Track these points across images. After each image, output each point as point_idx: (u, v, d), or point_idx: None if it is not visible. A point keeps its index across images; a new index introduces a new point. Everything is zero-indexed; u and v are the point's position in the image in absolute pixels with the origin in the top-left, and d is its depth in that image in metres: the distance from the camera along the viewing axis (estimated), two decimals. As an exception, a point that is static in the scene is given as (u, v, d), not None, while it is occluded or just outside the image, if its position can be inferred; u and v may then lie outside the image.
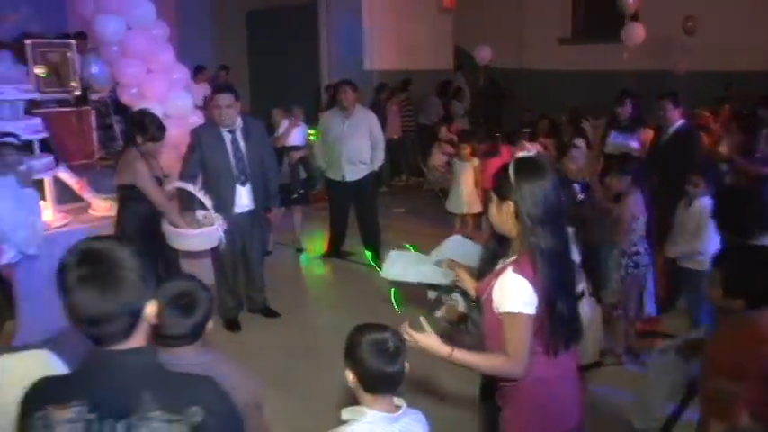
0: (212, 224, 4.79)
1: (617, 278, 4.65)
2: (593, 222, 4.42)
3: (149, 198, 4.65)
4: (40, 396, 1.55)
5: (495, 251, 2.53)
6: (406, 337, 2.23)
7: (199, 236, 4.79)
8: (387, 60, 11.81)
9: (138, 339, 1.55)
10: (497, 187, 2.39)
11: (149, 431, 1.49)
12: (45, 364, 2.07)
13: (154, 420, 1.50)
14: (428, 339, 2.30)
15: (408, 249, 3.40)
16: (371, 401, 2.13)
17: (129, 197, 4.72)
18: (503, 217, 2.36)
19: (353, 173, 6.84)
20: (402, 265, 3.19)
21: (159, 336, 2.11)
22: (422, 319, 2.36)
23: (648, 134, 6.49)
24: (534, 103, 11.83)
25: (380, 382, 2.12)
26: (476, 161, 7.52)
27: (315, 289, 6.87)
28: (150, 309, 1.54)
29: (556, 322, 2.30)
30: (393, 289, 3.68)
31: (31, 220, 4.41)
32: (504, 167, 2.37)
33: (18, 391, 1.69)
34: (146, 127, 4.71)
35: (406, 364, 2.14)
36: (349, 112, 6.81)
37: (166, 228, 4.76)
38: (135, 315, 1.52)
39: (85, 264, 1.47)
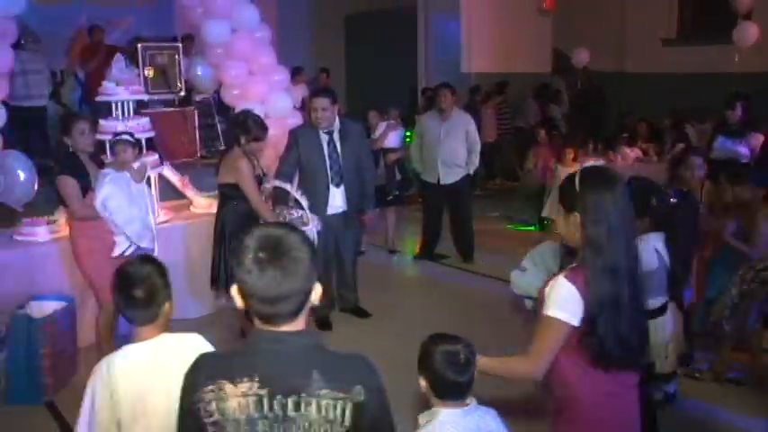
0: (307, 224, 4.84)
1: (734, 293, 4.34)
2: (685, 229, 4.16)
3: (248, 198, 4.73)
4: (211, 371, 1.67)
5: (566, 263, 2.48)
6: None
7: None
8: (484, 63, 11.69)
9: (301, 321, 1.67)
10: (563, 198, 2.32)
11: (317, 408, 1.60)
12: (198, 345, 2.28)
13: (322, 398, 1.61)
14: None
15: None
16: (442, 405, 2.25)
17: (230, 196, 4.80)
18: (570, 229, 2.29)
19: (449, 175, 6.81)
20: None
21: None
22: None
23: (759, 139, 6.18)
24: (634, 107, 11.44)
25: (451, 390, 2.23)
26: (578, 166, 7.32)
27: (406, 290, 6.86)
28: (316, 291, 1.66)
29: (603, 339, 2.18)
30: None
31: (142, 215, 4.57)
32: (571, 177, 2.30)
33: (174, 366, 1.94)
34: (249, 128, 4.80)
35: (476, 373, 2.24)
36: (446, 115, 6.79)
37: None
38: (306, 296, 1.63)
39: (265, 248, 1.58)
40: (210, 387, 1.63)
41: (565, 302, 2.20)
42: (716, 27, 10.92)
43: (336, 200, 5.30)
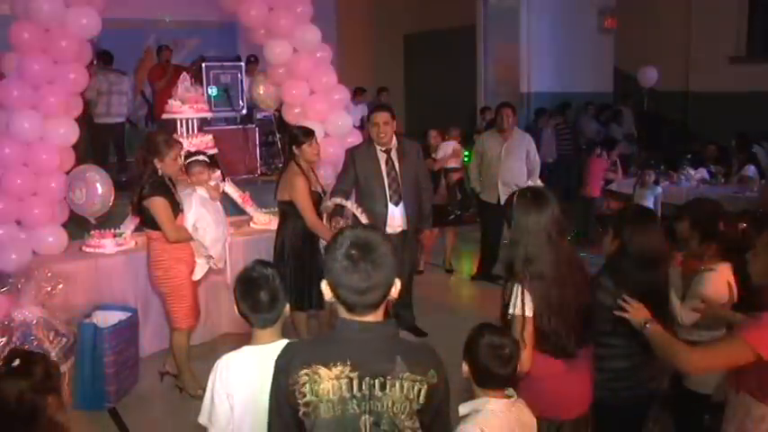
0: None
1: None
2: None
3: (303, 215, 4.72)
4: (305, 357, 1.87)
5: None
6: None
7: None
8: (543, 82, 11.60)
9: (381, 312, 1.88)
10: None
11: (400, 388, 1.83)
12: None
13: (404, 380, 1.84)
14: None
15: None
16: (484, 393, 2.40)
17: (289, 213, 4.83)
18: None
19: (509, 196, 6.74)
20: None
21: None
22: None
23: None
24: (700, 127, 11.13)
25: (492, 380, 2.39)
26: (658, 189, 7.30)
27: (463, 310, 6.77)
28: (396, 286, 1.87)
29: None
30: None
31: (224, 236, 4.64)
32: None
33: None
34: (295, 135, 4.86)
35: (518, 367, 2.44)
36: (507, 135, 6.76)
37: (323, 245, 4.86)
38: (388, 288, 1.85)
39: (356, 246, 1.81)
40: (305, 371, 1.83)
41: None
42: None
43: (396, 219, 5.25)
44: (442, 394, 1.91)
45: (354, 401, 1.83)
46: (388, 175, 5.22)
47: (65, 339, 4.56)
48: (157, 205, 4.28)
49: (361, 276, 1.80)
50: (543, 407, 2.66)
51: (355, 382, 1.83)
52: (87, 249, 5.38)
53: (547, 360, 2.77)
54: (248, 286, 2.40)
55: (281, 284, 2.42)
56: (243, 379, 2.35)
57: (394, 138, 5.28)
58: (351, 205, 4.86)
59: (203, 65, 8.27)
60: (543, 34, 11.40)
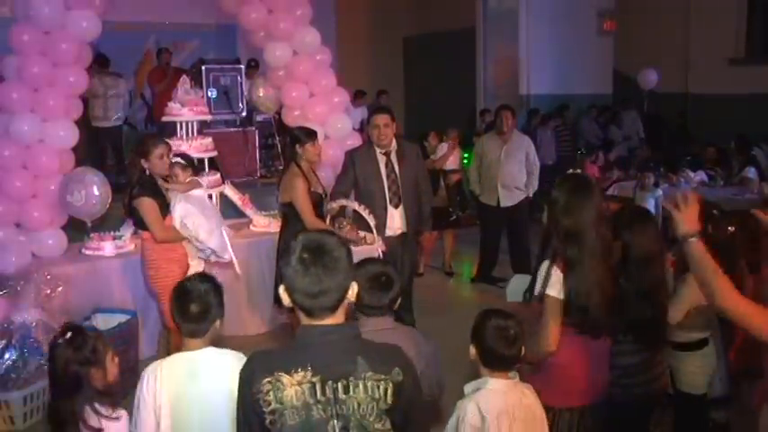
0: (372, 245, 4.85)
1: None
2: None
3: (302, 217, 4.69)
4: (267, 365, 1.87)
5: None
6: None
7: (357, 254, 4.87)
8: (542, 84, 11.61)
9: (340, 315, 1.89)
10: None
11: (364, 389, 1.84)
12: (236, 360, 2.44)
13: (367, 380, 1.84)
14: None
15: None
16: (488, 374, 2.51)
17: (291, 215, 4.81)
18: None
19: (508, 198, 6.75)
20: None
21: (362, 306, 2.58)
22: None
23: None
24: (699, 129, 11.14)
25: (498, 361, 2.49)
26: (659, 192, 7.24)
27: (463, 313, 6.73)
28: (353, 289, 1.88)
29: None
30: None
31: (219, 228, 4.60)
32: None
33: (212, 380, 2.33)
34: (297, 135, 4.86)
35: (523, 349, 2.50)
36: (506, 137, 6.76)
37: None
38: (344, 292, 1.86)
39: (308, 250, 1.83)
40: (268, 379, 1.83)
41: None
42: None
43: (395, 221, 5.22)
44: (410, 391, 1.91)
45: (319, 406, 1.82)
46: (388, 177, 5.19)
47: (64, 342, 4.56)
48: (145, 205, 4.30)
49: (312, 280, 1.81)
50: (562, 392, 2.76)
51: (318, 387, 1.82)
52: (87, 252, 5.39)
53: (572, 343, 2.77)
54: (181, 295, 2.55)
55: (216, 300, 2.54)
56: (169, 386, 2.44)
57: (394, 140, 5.27)
58: (358, 207, 4.84)
59: (203, 67, 8.29)
60: (542, 36, 11.40)
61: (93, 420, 2.48)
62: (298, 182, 4.72)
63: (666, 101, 12.32)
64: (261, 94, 7.41)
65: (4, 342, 4.29)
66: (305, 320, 1.88)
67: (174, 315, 2.55)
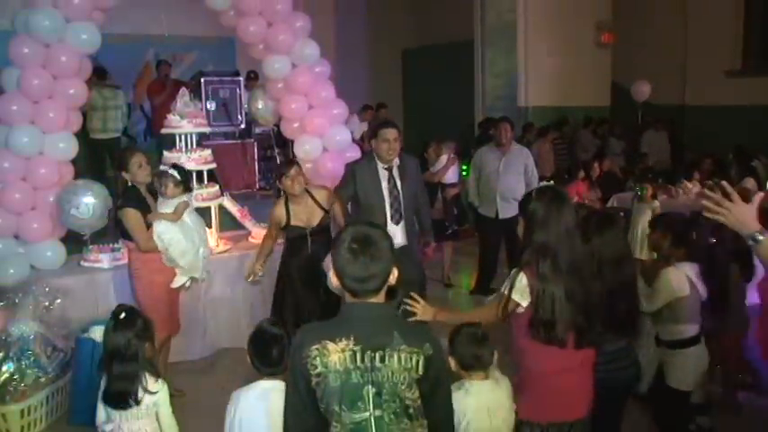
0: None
1: None
2: (726, 264, 4.31)
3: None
4: (316, 334, 2.14)
5: None
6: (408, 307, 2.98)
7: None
8: (541, 96, 11.64)
9: (382, 296, 2.16)
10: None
11: (398, 360, 2.09)
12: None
13: (401, 352, 2.09)
14: (421, 309, 3.01)
15: None
16: (466, 377, 2.93)
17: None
18: None
19: (507, 210, 6.73)
20: None
21: None
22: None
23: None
24: (696, 141, 11.16)
25: (473, 361, 2.91)
26: (656, 203, 7.11)
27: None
28: (394, 273, 2.14)
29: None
30: None
31: (196, 247, 4.65)
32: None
33: (274, 406, 2.64)
34: (278, 165, 4.93)
35: (495, 353, 2.95)
36: (505, 149, 6.77)
37: (326, 259, 4.82)
38: (387, 277, 2.12)
39: (356, 241, 2.08)
40: (316, 346, 2.10)
41: None
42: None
43: (397, 238, 4.95)
44: (439, 363, 2.17)
45: (358, 372, 2.09)
46: (390, 193, 5.04)
47: (62, 354, 4.55)
48: (128, 216, 4.40)
49: (361, 267, 2.07)
50: (548, 407, 2.86)
51: (358, 355, 2.08)
52: (85, 264, 5.38)
53: (550, 355, 2.80)
54: (261, 342, 2.91)
55: (289, 342, 2.81)
56: (246, 410, 2.83)
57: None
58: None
59: (202, 80, 8.31)
60: (540, 49, 11.44)
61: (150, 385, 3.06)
62: (275, 208, 4.90)
63: (664, 112, 12.36)
64: (260, 107, 7.41)
65: (1, 354, 4.27)
66: (349, 299, 2.15)
67: (255, 360, 2.89)
